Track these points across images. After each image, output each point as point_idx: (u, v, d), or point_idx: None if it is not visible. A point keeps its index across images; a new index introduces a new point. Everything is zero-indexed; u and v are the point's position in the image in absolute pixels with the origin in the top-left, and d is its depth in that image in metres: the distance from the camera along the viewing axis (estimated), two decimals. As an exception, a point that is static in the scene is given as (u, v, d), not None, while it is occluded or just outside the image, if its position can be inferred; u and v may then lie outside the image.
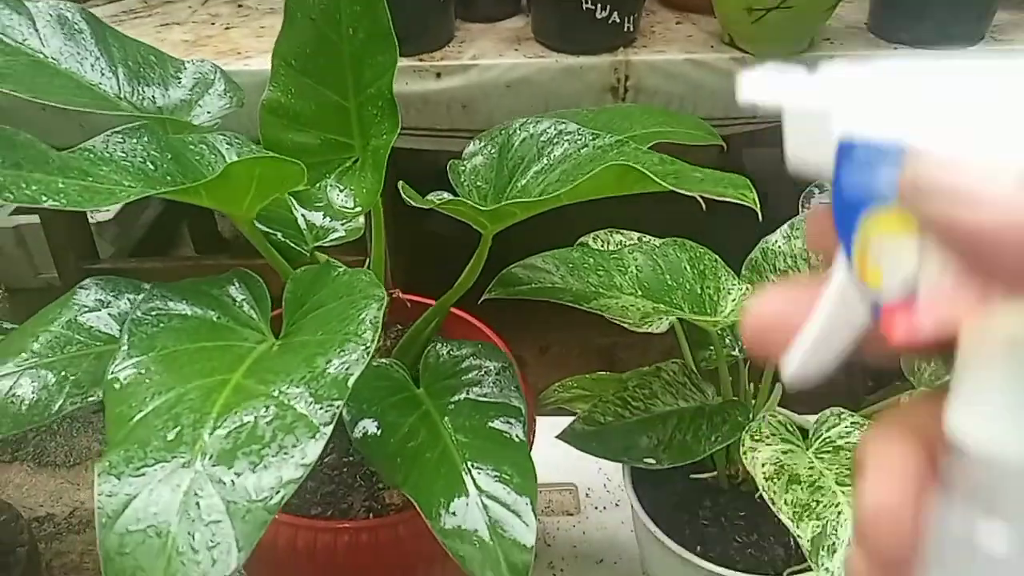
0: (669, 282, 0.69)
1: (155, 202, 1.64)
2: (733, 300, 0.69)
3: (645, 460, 0.66)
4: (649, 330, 0.75)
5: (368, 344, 0.42)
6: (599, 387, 0.80)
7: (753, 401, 0.77)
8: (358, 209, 0.58)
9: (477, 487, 0.52)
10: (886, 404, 0.72)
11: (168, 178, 0.51)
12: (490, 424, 0.55)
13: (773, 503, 0.57)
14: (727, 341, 0.81)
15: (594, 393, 0.79)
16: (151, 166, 0.51)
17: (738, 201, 0.50)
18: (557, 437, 0.68)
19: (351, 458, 0.68)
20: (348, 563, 0.66)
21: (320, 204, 0.68)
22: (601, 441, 0.67)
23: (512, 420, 0.56)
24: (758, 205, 0.52)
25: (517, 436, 0.55)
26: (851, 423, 0.64)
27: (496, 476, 0.52)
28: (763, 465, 0.60)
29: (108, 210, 1.59)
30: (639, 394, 0.70)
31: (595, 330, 0.73)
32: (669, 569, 0.77)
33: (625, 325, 0.71)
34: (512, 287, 0.62)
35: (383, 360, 0.61)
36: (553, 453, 0.72)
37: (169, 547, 0.35)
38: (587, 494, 0.97)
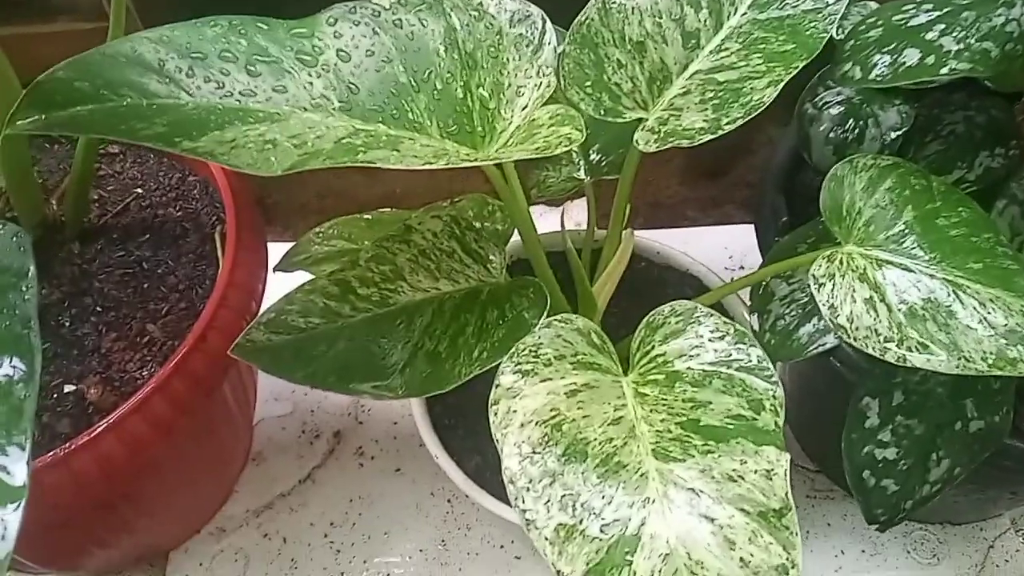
0: (403, 79, 0.38)
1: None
2: (523, 108, 0.39)
3: (371, 388, 0.40)
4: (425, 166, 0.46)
5: None
6: (372, 236, 0.52)
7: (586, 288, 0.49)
8: None
9: None
10: (792, 263, 0.44)
11: None
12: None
13: (520, 503, 0.32)
14: (570, 158, 0.52)
15: (359, 248, 0.51)
16: None
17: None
18: (230, 353, 0.41)
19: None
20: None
21: None
22: (299, 357, 0.40)
23: None
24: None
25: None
26: (709, 330, 0.37)
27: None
28: (521, 426, 0.33)
29: None
30: (374, 274, 0.42)
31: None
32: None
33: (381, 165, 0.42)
34: (52, 109, 0.33)
35: None
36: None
37: None
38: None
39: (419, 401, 0.51)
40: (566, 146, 0.34)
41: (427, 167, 0.32)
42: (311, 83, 0.36)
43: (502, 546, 0.62)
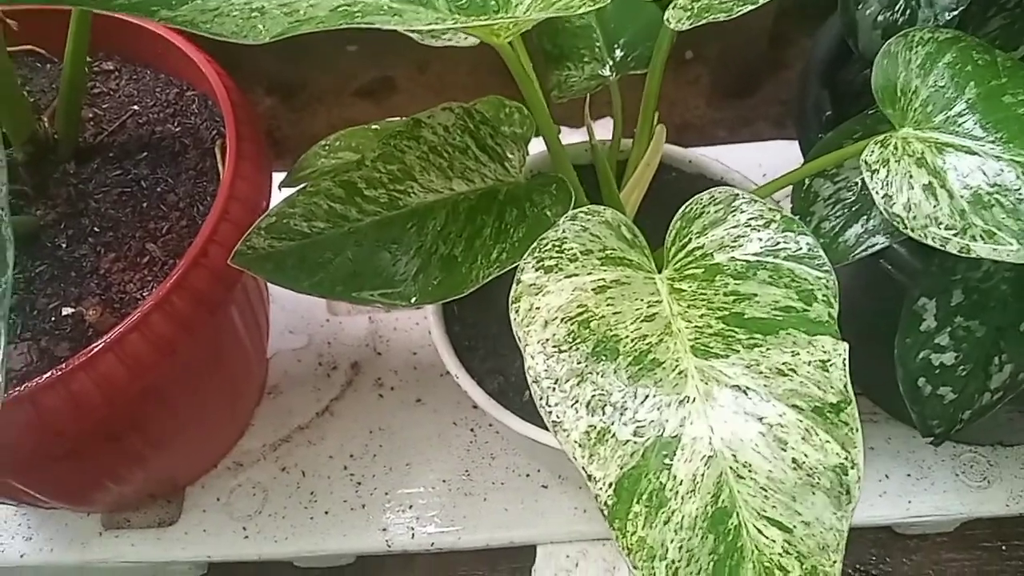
0: (407, -50, 0.34)
1: None
2: (541, -22, 0.35)
3: (381, 297, 0.37)
4: (447, 41, 0.43)
5: None
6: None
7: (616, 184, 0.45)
8: None
9: None
10: (840, 155, 0.40)
11: None
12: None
13: (546, 404, 0.29)
14: (582, 51, 0.48)
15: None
16: None
17: None
18: (230, 263, 0.38)
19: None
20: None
21: None
22: (303, 265, 0.38)
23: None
24: None
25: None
26: (752, 217, 0.33)
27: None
28: (545, 324, 0.30)
29: None
30: (381, 174, 0.39)
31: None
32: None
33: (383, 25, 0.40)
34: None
35: None
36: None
37: None
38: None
39: (437, 321, 0.49)
40: (590, 7, 0.30)
41: (431, 27, 0.28)
42: (303, -46, 0.33)
43: (528, 475, 0.60)
